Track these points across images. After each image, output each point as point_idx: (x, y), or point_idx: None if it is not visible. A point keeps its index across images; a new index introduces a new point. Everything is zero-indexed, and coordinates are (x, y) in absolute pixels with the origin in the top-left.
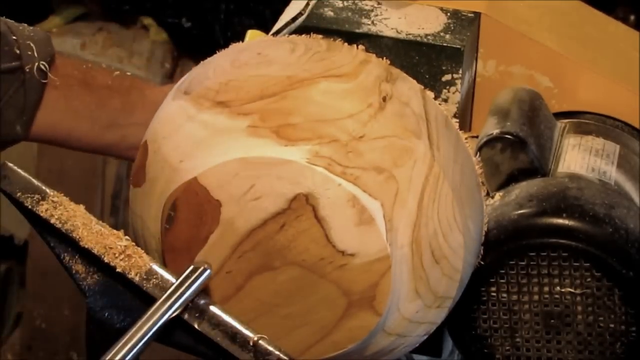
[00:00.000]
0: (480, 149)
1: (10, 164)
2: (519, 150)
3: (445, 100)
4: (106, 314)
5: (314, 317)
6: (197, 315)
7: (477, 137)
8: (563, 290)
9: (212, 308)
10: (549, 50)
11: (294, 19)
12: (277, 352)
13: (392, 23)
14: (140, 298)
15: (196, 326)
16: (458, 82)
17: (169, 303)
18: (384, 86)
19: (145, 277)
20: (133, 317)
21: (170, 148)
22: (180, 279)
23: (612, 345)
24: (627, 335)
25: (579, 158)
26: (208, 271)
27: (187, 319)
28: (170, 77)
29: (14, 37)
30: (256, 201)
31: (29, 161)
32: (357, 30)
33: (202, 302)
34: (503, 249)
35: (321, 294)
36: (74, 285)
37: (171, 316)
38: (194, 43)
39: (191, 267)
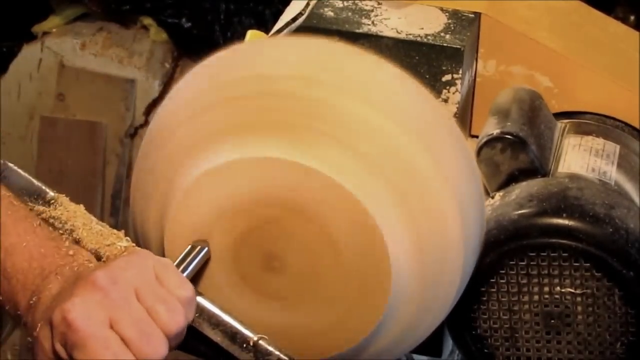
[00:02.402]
0: (480, 149)
1: (11, 164)
2: (519, 150)
3: (445, 100)
4: None
5: (317, 315)
6: (197, 315)
7: (477, 137)
8: (563, 290)
9: (212, 308)
10: (549, 50)
11: (294, 19)
12: (277, 352)
13: (392, 23)
14: None
15: (196, 326)
16: (458, 82)
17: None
18: None
19: None
20: None
21: (172, 148)
22: (180, 257)
23: (612, 345)
24: (627, 335)
25: (579, 158)
26: (206, 249)
27: None
28: (171, 77)
29: None
30: (257, 199)
31: (29, 161)
32: (357, 30)
33: (201, 300)
34: (503, 249)
35: (323, 293)
36: None
37: None
38: (194, 43)
39: (189, 247)
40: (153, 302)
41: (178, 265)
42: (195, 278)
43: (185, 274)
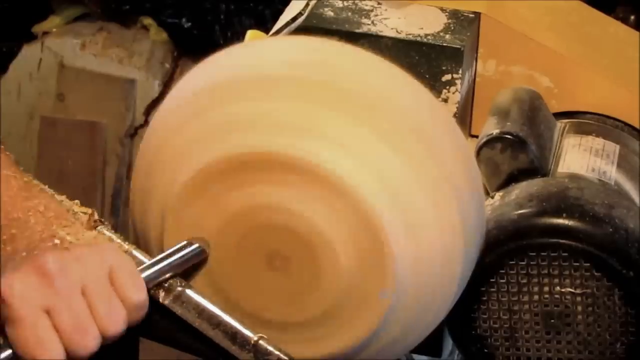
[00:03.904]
0: (480, 149)
1: None
2: (519, 150)
3: (445, 100)
4: None
5: (318, 314)
6: (196, 315)
7: (477, 137)
8: (563, 290)
9: (212, 308)
10: (549, 50)
11: (294, 19)
12: (277, 352)
13: (392, 23)
14: None
15: (196, 326)
16: (458, 82)
17: (156, 266)
18: None
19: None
20: None
21: (172, 146)
22: (172, 249)
23: (612, 345)
24: (627, 335)
25: (579, 158)
26: (200, 248)
27: (188, 318)
28: (171, 77)
29: None
30: (258, 198)
31: (29, 161)
32: (357, 30)
33: (201, 300)
34: (503, 249)
35: (324, 292)
36: None
37: (156, 279)
38: (194, 43)
39: (184, 242)
40: (96, 300)
41: (164, 258)
42: (196, 277)
43: (169, 260)
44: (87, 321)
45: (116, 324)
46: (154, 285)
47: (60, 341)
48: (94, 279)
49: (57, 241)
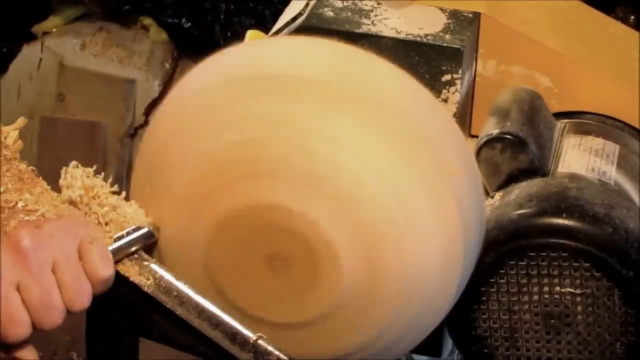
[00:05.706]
0: (480, 149)
1: None
2: (519, 150)
3: (445, 100)
4: (106, 314)
5: (319, 315)
6: (196, 315)
7: (477, 137)
8: (563, 290)
9: (212, 308)
10: (549, 50)
11: (293, 19)
12: (276, 352)
13: (392, 23)
14: (139, 299)
15: (196, 326)
16: (458, 82)
17: (120, 241)
18: None
19: None
20: (132, 316)
21: (172, 147)
22: (126, 230)
23: (612, 345)
24: (627, 335)
25: (578, 158)
26: (149, 232)
27: (187, 318)
28: (171, 77)
29: None
30: (258, 200)
31: (29, 161)
32: (357, 31)
33: (201, 301)
34: (503, 249)
35: (325, 293)
36: None
37: (121, 252)
38: (194, 43)
39: (134, 226)
40: (66, 277)
41: (124, 236)
42: (196, 276)
43: (116, 246)
44: (55, 298)
45: (82, 300)
46: (118, 259)
47: (29, 317)
48: (65, 255)
49: (30, 217)
